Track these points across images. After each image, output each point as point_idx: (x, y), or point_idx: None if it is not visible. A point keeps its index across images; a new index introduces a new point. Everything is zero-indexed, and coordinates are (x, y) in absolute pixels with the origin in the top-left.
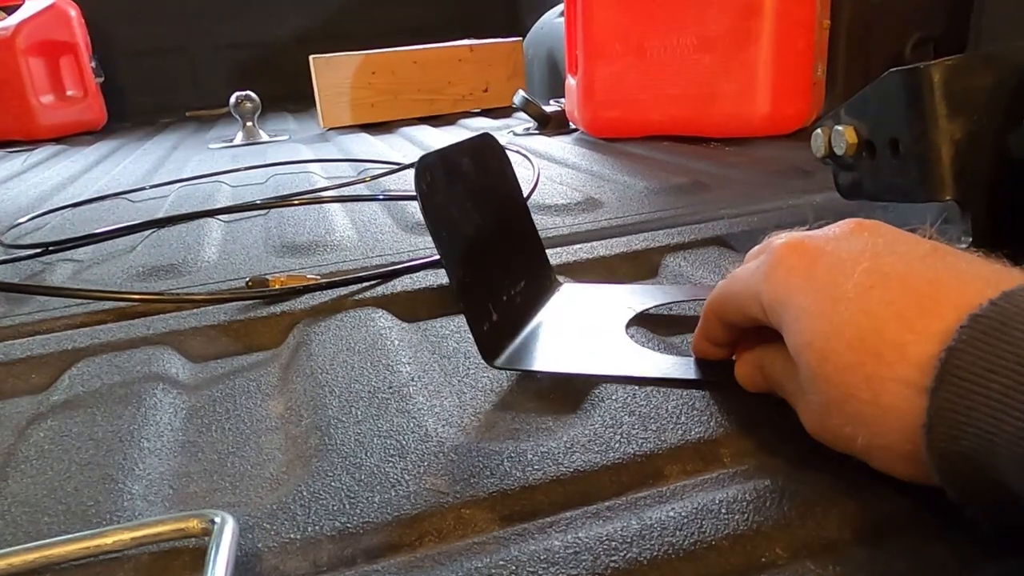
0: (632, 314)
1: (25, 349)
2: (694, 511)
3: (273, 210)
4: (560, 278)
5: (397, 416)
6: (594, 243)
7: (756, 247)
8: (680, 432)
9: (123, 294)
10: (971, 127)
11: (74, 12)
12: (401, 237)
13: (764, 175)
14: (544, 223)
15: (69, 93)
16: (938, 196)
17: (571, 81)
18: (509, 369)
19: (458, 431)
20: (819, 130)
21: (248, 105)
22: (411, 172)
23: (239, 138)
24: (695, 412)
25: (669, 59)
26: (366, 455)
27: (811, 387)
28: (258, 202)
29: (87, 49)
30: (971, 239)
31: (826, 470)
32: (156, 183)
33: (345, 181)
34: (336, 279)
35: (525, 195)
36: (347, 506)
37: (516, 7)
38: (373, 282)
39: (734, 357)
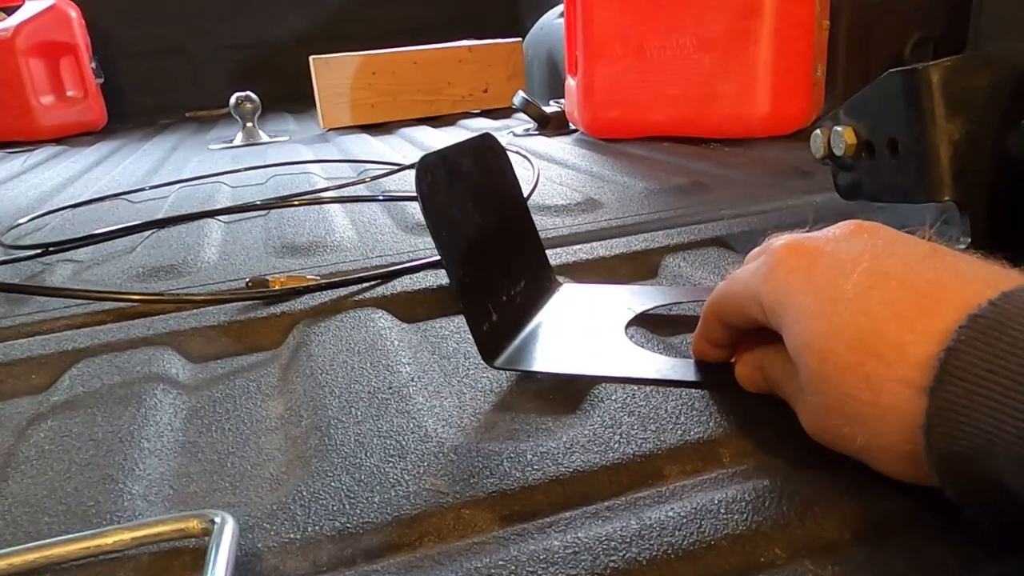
0: (632, 315)
1: (25, 349)
2: (693, 511)
3: (273, 211)
4: (560, 278)
5: (397, 416)
6: (594, 244)
7: (756, 249)
8: (679, 432)
9: (123, 295)
10: (970, 128)
11: (74, 13)
12: (401, 238)
13: (764, 176)
14: (544, 224)
15: (69, 94)
16: (937, 196)
17: (571, 82)
18: (509, 369)
19: (458, 431)
20: (818, 131)
21: (248, 106)
22: (411, 173)
23: (239, 139)
24: (694, 412)
25: (669, 60)
26: (366, 455)
27: (811, 388)
28: (258, 203)
29: (87, 50)
30: (970, 240)
31: (825, 470)
32: (156, 184)
33: (345, 182)
34: (336, 280)
35: (525, 195)
36: (347, 506)
37: (516, 7)
38: (373, 283)
39: (733, 360)
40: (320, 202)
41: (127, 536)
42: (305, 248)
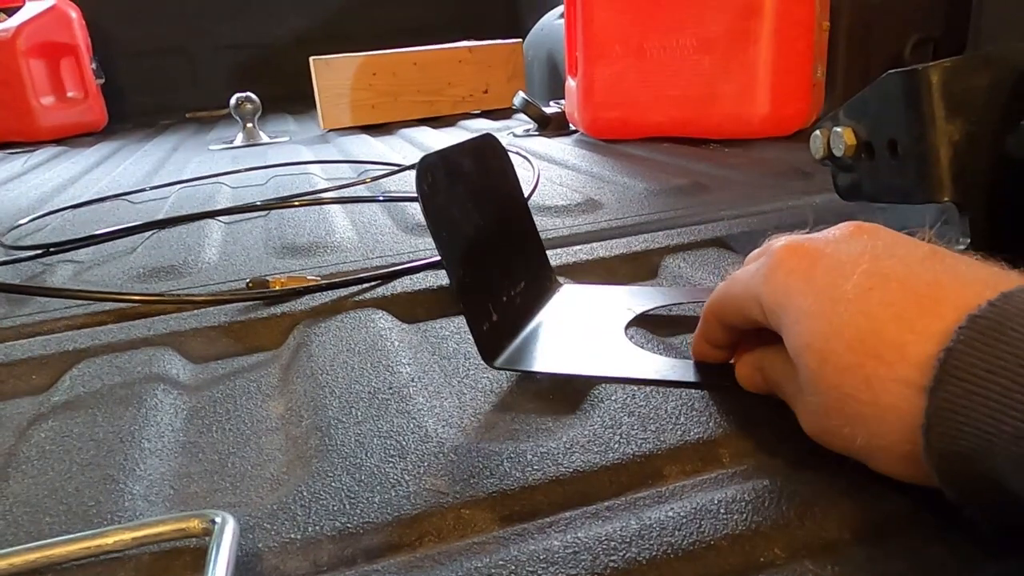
0: (632, 315)
1: (26, 350)
2: (693, 511)
3: (273, 211)
4: (560, 279)
5: (397, 417)
6: (594, 244)
7: (756, 250)
8: (679, 433)
9: (124, 295)
10: (970, 128)
11: (75, 13)
12: (401, 238)
13: (764, 176)
14: (544, 224)
15: (70, 94)
16: (936, 197)
17: (571, 82)
18: (509, 370)
19: (458, 432)
20: (818, 131)
21: (248, 106)
22: (411, 173)
23: (239, 139)
24: (694, 413)
25: (669, 60)
26: (366, 456)
27: (811, 388)
28: (258, 203)
29: (88, 50)
30: (969, 240)
31: (825, 470)
32: (156, 184)
33: (345, 182)
34: (336, 280)
35: (525, 196)
36: (347, 506)
37: (516, 8)
38: (373, 283)
39: (732, 360)
40: (320, 203)
41: (128, 536)
42: (305, 249)
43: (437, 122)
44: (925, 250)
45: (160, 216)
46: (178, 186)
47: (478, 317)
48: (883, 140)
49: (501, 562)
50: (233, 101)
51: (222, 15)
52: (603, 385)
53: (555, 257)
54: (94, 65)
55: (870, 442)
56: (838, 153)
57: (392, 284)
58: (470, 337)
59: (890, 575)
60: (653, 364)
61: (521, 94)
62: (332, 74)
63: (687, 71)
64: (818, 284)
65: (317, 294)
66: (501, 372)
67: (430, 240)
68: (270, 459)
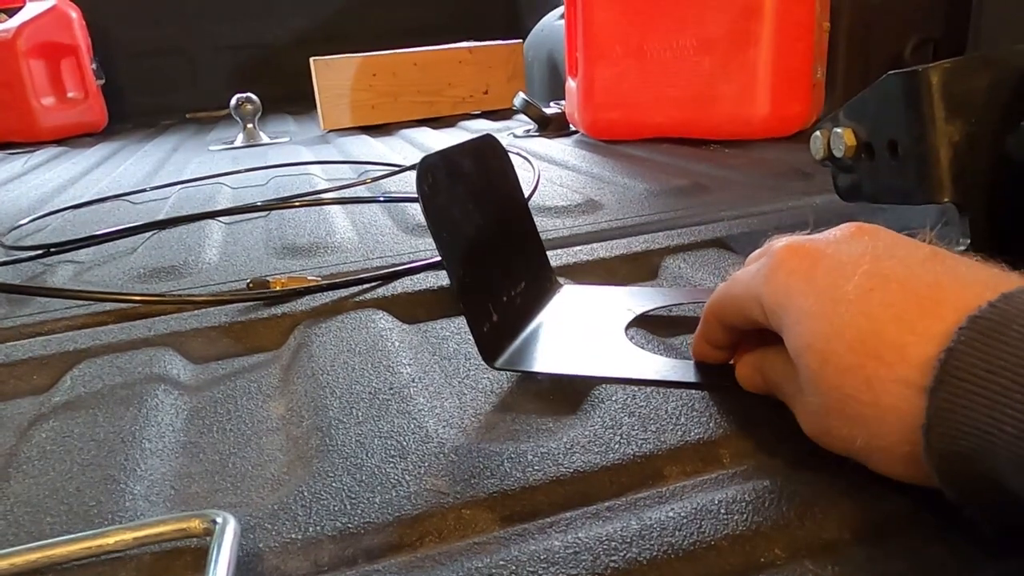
0: (632, 316)
1: (27, 350)
2: (693, 511)
3: (274, 212)
4: (560, 279)
5: (398, 417)
6: (594, 245)
7: (756, 251)
8: (679, 433)
9: (124, 295)
10: (970, 129)
11: (75, 14)
12: (401, 239)
13: (764, 177)
14: (544, 225)
15: (70, 95)
16: (936, 198)
17: (571, 83)
18: (509, 370)
19: (458, 432)
20: (818, 132)
21: (248, 107)
22: (411, 174)
23: (239, 140)
24: (694, 413)
25: (669, 61)
26: (367, 456)
27: (811, 389)
28: (259, 204)
29: (88, 51)
30: (969, 241)
31: (825, 471)
32: (157, 185)
33: (346, 183)
34: (337, 281)
35: (525, 196)
36: (348, 506)
37: (516, 9)
38: (374, 284)
39: (732, 361)
40: (321, 203)
41: (129, 536)
42: (306, 249)
43: (437, 123)
44: (926, 251)
45: (160, 216)
46: (178, 186)
47: (478, 317)
48: (883, 141)
49: (502, 562)
50: (233, 102)
51: (222, 15)
52: (603, 385)
53: (555, 258)
54: (94, 65)
55: (870, 443)
56: (838, 154)
57: (393, 285)
58: (470, 338)
59: (890, 575)
60: (653, 364)
61: (521, 95)
62: (332, 74)
63: (687, 72)
64: (819, 285)
65: (318, 294)
66: (501, 373)
67: (430, 240)
68: (271, 459)
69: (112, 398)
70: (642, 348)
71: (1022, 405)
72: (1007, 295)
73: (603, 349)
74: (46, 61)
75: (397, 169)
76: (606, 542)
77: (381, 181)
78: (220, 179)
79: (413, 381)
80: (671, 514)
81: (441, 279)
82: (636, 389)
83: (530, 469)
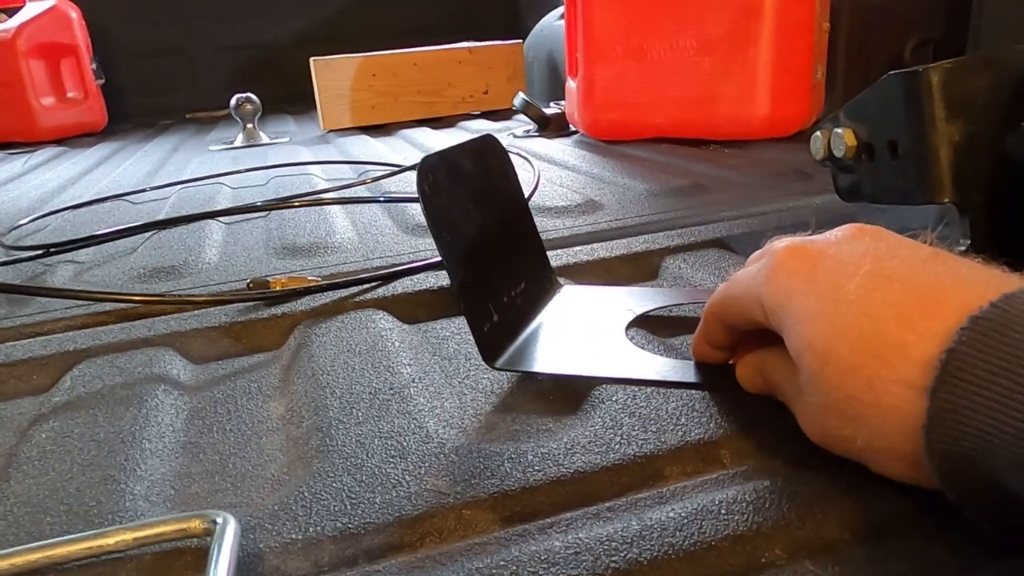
0: (632, 316)
1: (27, 350)
2: (694, 512)
3: (274, 212)
4: (560, 280)
5: (398, 417)
6: (594, 245)
7: (757, 251)
8: (680, 433)
9: (124, 296)
10: (970, 130)
11: (75, 14)
12: (401, 239)
13: (764, 177)
14: (544, 225)
15: (70, 95)
16: (937, 198)
17: (571, 83)
18: (509, 370)
19: (459, 432)
20: (818, 132)
21: (248, 107)
22: (411, 174)
23: (239, 140)
24: (695, 413)
25: (669, 61)
26: (367, 456)
27: (812, 389)
28: (259, 204)
29: (88, 51)
30: (970, 241)
31: (825, 471)
32: (157, 185)
33: (346, 183)
34: (337, 281)
35: (526, 197)
36: (348, 507)
37: (516, 9)
38: (374, 284)
39: (731, 361)
40: (321, 203)
41: (129, 536)
42: (306, 249)
43: (437, 123)
44: (927, 252)
45: (160, 216)
46: (178, 186)
47: (479, 318)
48: (883, 141)
49: (502, 563)
50: (233, 102)
51: (222, 15)
52: (604, 386)
53: (555, 258)
54: (94, 65)
55: (871, 443)
56: (838, 154)
57: (393, 285)
58: (471, 338)
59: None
60: (654, 365)
61: (521, 95)
62: (332, 74)
63: (687, 72)
64: (820, 285)
65: (318, 295)
66: (502, 373)
67: (430, 241)
68: (271, 459)
69: (112, 398)
70: (642, 348)
71: (1023, 406)
72: (1008, 296)
73: (603, 349)
74: (46, 61)
75: (397, 169)
76: (607, 542)
77: (381, 181)
78: (220, 179)
79: (413, 381)
80: (672, 514)
81: (441, 279)
82: (636, 389)
83: (530, 469)
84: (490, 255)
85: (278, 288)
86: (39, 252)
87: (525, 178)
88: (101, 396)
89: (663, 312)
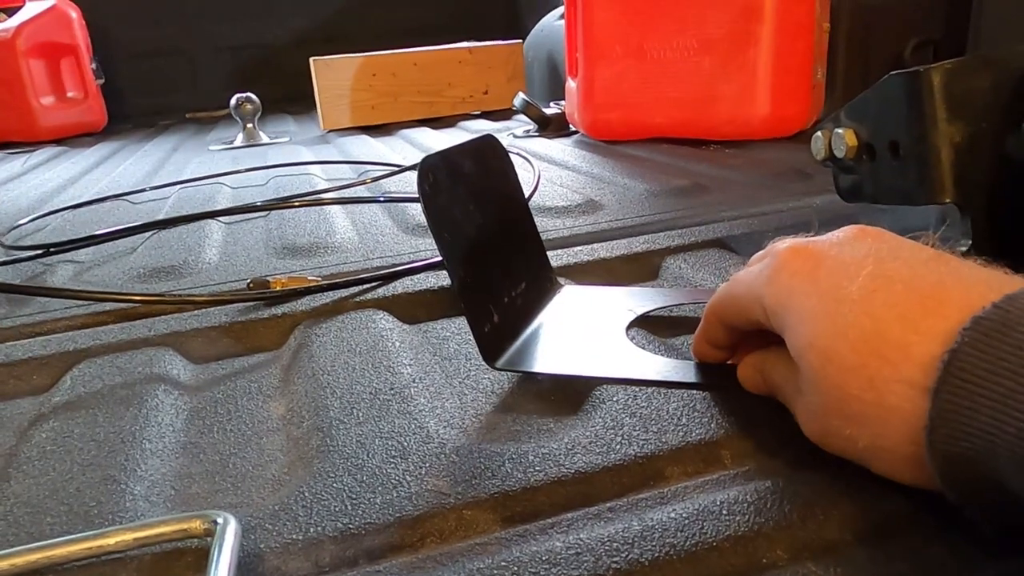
0: (633, 316)
1: (27, 350)
2: (695, 512)
3: (274, 212)
4: (561, 280)
5: (398, 417)
6: (594, 245)
7: (759, 252)
8: (681, 434)
9: (124, 295)
10: (971, 130)
11: (75, 14)
12: (402, 239)
13: (764, 177)
14: (544, 225)
15: (70, 95)
16: (938, 199)
17: (571, 83)
18: (510, 371)
19: (459, 432)
20: (819, 133)
21: (248, 107)
22: (411, 174)
23: (239, 140)
24: (696, 414)
25: (669, 61)
26: (368, 456)
27: (813, 389)
28: (259, 204)
29: (88, 51)
30: (971, 242)
31: (826, 471)
32: (157, 185)
33: (346, 183)
34: (337, 281)
35: (526, 197)
36: (349, 507)
37: (516, 9)
38: (374, 284)
39: (731, 361)
40: (321, 203)
41: (129, 537)
42: (306, 249)
43: (437, 123)
44: (929, 253)
45: (160, 216)
46: (178, 186)
47: (479, 318)
48: (884, 141)
49: (503, 563)
50: (233, 102)
51: (222, 15)
52: (604, 386)
53: (556, 258)
54: (94, 65)
55: (873, 443)
56: (839, 154)
57: (393, 285)
58: (471, 338)
59: None
60: (654, 365)
61: (521, 95)
62: (332, 75)
63: (687, 72)
64: (822, 286)
65: (318, 295)
66: (502, 373)
67: (430, 241)
68: (271, 460)
69: (112, 398)
70: (643, 348)
71: None
72: (1011, 296)
73: (604, 349)
74: (46, 61)
75: (397, 169)
76: (608, 543)
77: (381, 181)
78: (220, 179)
79: (414, 381)
80: (673, 515)
81: (442, 279)
82: (637, 390)
83: (531, 470)
84: (490, 255)
85: (278, 288)
86: (39, 252)
87: (525, 178)
88: (101, 396)
89: (664, 312)
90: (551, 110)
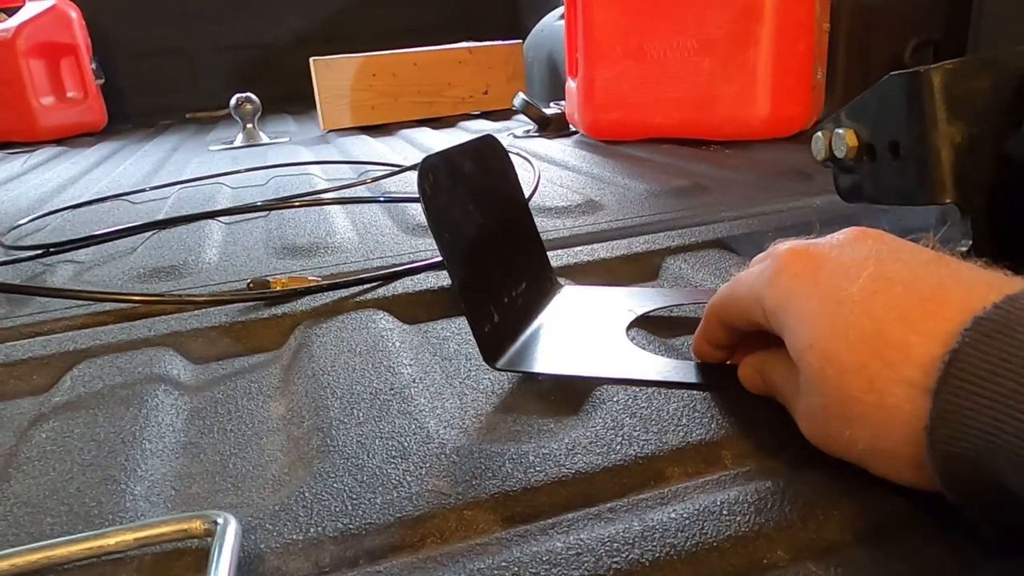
0: (633, 316)
1: (27, 350)
2: (695, 513)
3: (274, 212)
4: (561, 280)
5: (399, 418)
6: (594, 245)
7: (761, 254)
8: (681, 434)
9: (124, 295)
10: (971, 130)
11: (75, 14)
12: (402, 239)
13: (764, 178)
14: (544, 225)
15: (70, 95)
16: (938, 199)
17: (571, 84)
18: (510, 371)
19: (460, 433)
20: (820, 133)
21: (248, 107)
22: (411, 174)
23: (239, 140)
24: (696, 414)
25: (669, 62)
26: (368, 456)
27: (813, 390)
28: (259, 204)
29: (88, 51)
30: (971, 242)
31: (827, 471)
32: (156, 184)
33: (346, 183)
34: (337, 281)
35: (526, 197)
36: (349, 507)
37: (516, 9)
38: (374, 284)
39: (730, 361)
40: (321, 203)
41: (130, 537)
42: (306, 249)
43: (437, 123)
44: (929, 255)
45: (160, 216)
46: (178, 186)
47: (479, 318)
48: (885, 142)
49: (503, 563)
50: (233, 102)
51: (222, 15)
52: (605, 386)
53: (556, 258)
54: (94, 65)
55: (873, 444)
56: (840, 155)
57: (393, 285)
58: (471, 338)
59: None
60: (655, 365)
61: (521, 95)
62: (332, 75)
63: (687, 72)
64: (822, 288)
65: (318, 295)
66: (502, 373)
67: (430, 241)
68: (272, 460)
69: (112, 398)
70: (643, 349)
71: None
72: (1012, 297)
73: (604, 350)
74: (46, 61)
75: (397, 169)
76: (608, 543)
77: (381, 181)
78: (220, 179)
79: (414, 382)
80: (673, 515)
81: (442, 279)
82: (637, 390)
83: (532, 470)
84: (491, 255)
85: (278, 288)
86: (39, 252)
87: (525, 178)
88: (101, 396)
89: (664, 312)
90: (551, 110)
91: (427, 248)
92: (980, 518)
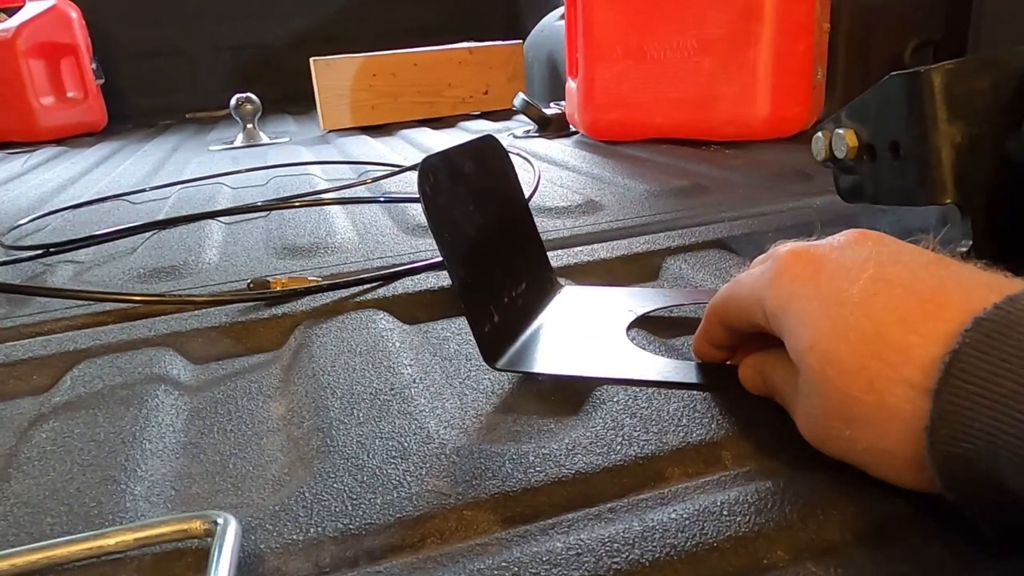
0: (633, 317)
1: (27, 350)
2: (696, 513)
3: (274, 212)
4: (561, 280)
5: (399, 418)
6: (595, 245)
7: (762, 255)
8: (681, 434)
9: (124, 296)
10: (971, 130)
11: (75, 14)
12: (402, 239)
13: (764, 178)
14: (544, 225)
15: (70, 95)
16: (938, 199)
17: (571, 84)
18: (510, 371)
19: (460, 433)
20: (820, 133)
21: (248, 107)
22: (412, 174)
23: (239, 140)
24: (696, 414)
25: (669, 62)
26: (368, 457)
27: (813, 391)
28: (259, 204)
29: (88, 51)
30: (971, 242)
31: (827, 472)
32: (157, 185)
33: (346, 183)
34: (337, 281)
35: (526, 197)
36: (349, 507)
37: (516, 9)
38: (374, 284)
39: (730, 362)
40: (321, 203)
41: (130, 537)
42: (306, 249)
43: (437, 123)
44: (929, 257)
45: (160, 216)
46: (178, 186)
47: (480, 318)
48: (885, 142)
49: (504, 563)
50: (233, 102)
51: (222, 15)
52: (605, 386)
53: (556, 258)
54: (94, 65)
55: (873, 445)
56: (840, 155)
57: (393, 285)
58: (471, 338)
59: None
60: (655, 365)
61: (521, 95)
62: (332, 75)
63: (687, 73)
64: (823, 289)
65: (318, 295)
66: (502, 373)
67: (430, 241)
68: (272, 460)
69: (112, 398)
70: (643, 349)
71: None
72: (1012, 298)
73: (604, 350)
74: (46, 61)
75: (397, 169)
76: (608, 543)
77: (381, 181)
78: (220, 179)
79: (414, 382)
80: (673, 515)
81: (442, 279)
82: (638, 390)
83: (532, 470)
84: (491, 255)
85: (278, 288)
86: (39, 252)
87: (525, 178)
88: (101, 396)
89: (664, 313)
90: (551, 110)
91: (427, 248)
92: (980, 518)
